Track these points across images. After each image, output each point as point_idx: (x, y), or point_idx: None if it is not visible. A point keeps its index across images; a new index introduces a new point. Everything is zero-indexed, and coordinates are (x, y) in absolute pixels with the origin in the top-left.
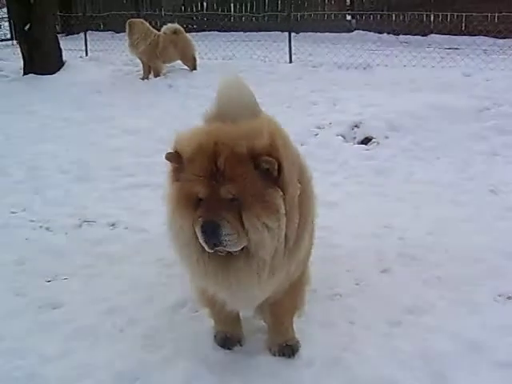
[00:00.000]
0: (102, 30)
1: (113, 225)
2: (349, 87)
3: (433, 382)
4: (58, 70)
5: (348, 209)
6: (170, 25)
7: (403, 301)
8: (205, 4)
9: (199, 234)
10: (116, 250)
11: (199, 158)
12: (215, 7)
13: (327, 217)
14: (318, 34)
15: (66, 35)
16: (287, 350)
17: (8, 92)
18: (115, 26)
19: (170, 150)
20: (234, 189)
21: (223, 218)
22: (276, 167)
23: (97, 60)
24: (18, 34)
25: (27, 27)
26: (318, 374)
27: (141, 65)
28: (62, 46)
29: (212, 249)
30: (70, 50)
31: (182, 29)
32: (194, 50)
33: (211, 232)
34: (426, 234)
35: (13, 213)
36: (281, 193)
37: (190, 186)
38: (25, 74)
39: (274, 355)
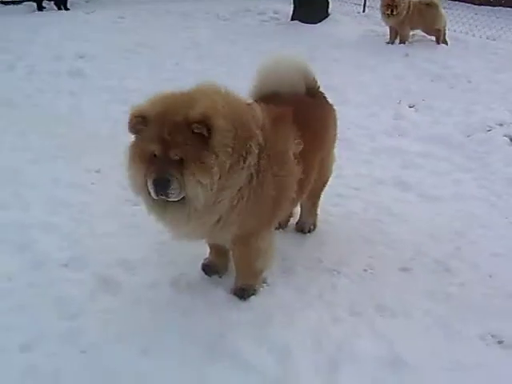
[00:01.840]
0: None
1: None
2: None
3: None
4: (320, 21)
5: None
6: None
7: None
8: None
9: (150, 186)
10: None
11: (156, 124)
12: None
13: None
14: None
15: None
16: (239, 292)
17: (270, 32)
18: None
19: (135, 112)
20: (178, 152)
21: (172, 175)
22: (206, 132)
23: (368, 17)
24: None
25: None
26: (250, 319)
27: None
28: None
29: (157, 197)
30: (355, 3)
31: (437, 2)
32: (440, 23)
33: (161, 186)
34: None
35: None
36: (213, 155)
37: (147, 145)
38: (292, 19)
39: (229, 293)
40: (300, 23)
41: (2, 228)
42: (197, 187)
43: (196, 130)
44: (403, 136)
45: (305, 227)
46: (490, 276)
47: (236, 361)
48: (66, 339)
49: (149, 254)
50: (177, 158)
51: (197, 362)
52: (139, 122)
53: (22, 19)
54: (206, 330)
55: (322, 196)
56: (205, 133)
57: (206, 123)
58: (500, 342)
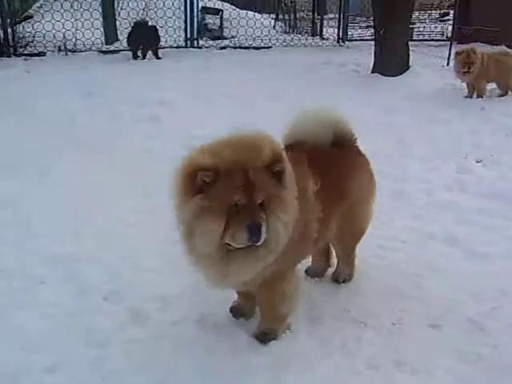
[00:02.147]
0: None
1: None
2: None
3: None
4: (401, 73)
5: None
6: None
7: None
8: None
9: (243, 233)
10: None
11: (232, 173)
12: None
13: None
14: None
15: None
16: (261, 336)
17: (346, 84)
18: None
19: (200, 166)
20: (264, 195)
21: (263, 219)
22: (284, 170)
23: (451, 71)
24: (375, 35)
25: (382, 31)
26: (268, 363)
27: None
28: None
29: (247, 243)
30: (438, 56)
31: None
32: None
33: (256, 231)
34: None
35: None
36: (287, 191)
37: (226, 194)
38: (372, 72)
39: (252, 337)
40: (380, 75)
41: (55, 260)
42: (278, 225)
43: (276, 170)
44: (463, 191)
45: (340, 277)
46: None
47: None
48: (90, 366)
49: (184, 290)
50: (260, 201)
51: None
52: (208, 176)
53: (118, 67)
54: (224, 370)
55: (357, 248)
56: (282, 170)
57: (281, 162)
58: None
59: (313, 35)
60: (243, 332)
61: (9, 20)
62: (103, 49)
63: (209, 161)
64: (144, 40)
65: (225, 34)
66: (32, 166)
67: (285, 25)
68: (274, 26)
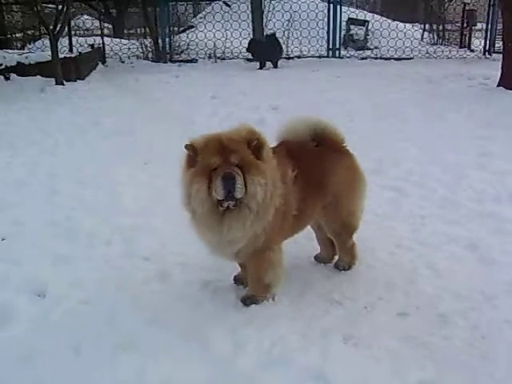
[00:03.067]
0: None
1: None
2: None
3: None
4: None
5: None
6: None
7: None
8: None
9: (219, 185)
10: None
11: (212, 144)
12: None
13: None
14: None
15: None
16: (245, 299)
17: (468, 97)
18: None
19: (187, 145)
20: (237, 157)
21: (236, 172)
22: (261, 146)
23: None
24: (503, 48)
25: (510, 44)
26: (244, 321)
27: None
28: None
29: (224, 196)
30: None
31: None
32: None
33: (229, 181)
34: None
35: None
36: (266, 163)
37: (207, 161)
38: (498, 85)
39: (239, 299)
40: (504, 90)
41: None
42: (256, 186)
43: (253, 144)
44: None
45: (339, 265)
46: (483, 337)
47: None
48: (113, 302)
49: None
50: (236, 162)
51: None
52: (191, 150)
53: (250, 74)
54: (207, 318)
55: (355, 240)
56: (260, 145)
57: (259, 138)
58: None
59: (461, 47)
60: (234, 295)
61: (167, 30)
62: (249, 57)
63: (193, 141)
64: (268, 51)
65: (369, 45)
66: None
67: (433, 36)
68: (422, 37)
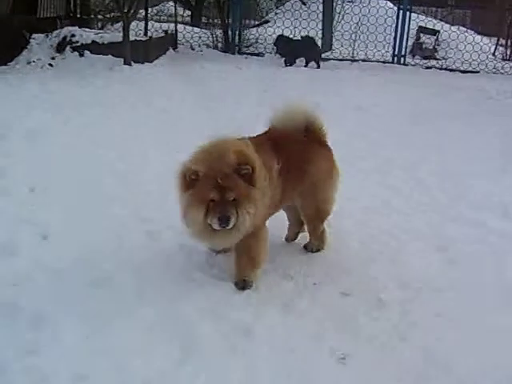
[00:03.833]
0: None
1: None
2: None
3: None
4: None
5: None
6: None
7: None
8: None
9: (216, 221)
10: None
11: (209, 177)
12: None
13: None
14: None
15: None
16: (239, 283)
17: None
18: None
19: (190, 169)
20: (232, 195)
21: (231, 212)
22: (250, 171)
23: None
24: None
25: None
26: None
27: None
28: None
29: (219, 228)
30: None
31: None
32: None
33: (225, 221)
34: None
35: None
36: (256, 189)
37: (205, 192)
38: None
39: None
40: None
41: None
42: (245, 216)
43: (244, 172)
44: None
45: (308, 246)
46: (409, 324)
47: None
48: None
49: None
50: (231, 198)
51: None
52: (194, 176)
53: (306, 72)
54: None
55: (326, 226)
56: (250, 172)
57: (250, 165)
58: None
59: None
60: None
61: (238, 23)
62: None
63: (193, 166)
64: (301, 50)
65: (437, 55)
66: None
67: (505, 51)
68: (494, 52)
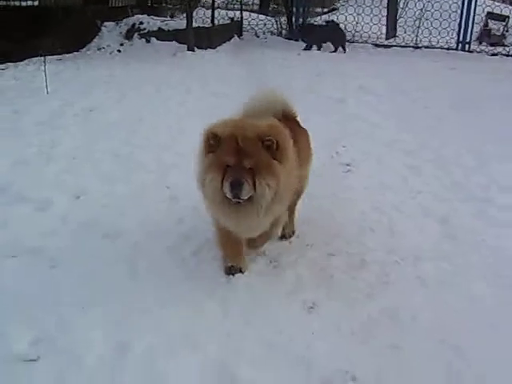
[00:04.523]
0: None
1: None
2: None
3: None
4: None
5: None
6: None
7: None
8: None
9: (227, 187)
10: None
11: (230, 141)
12: None
13: None
14: None
15: None
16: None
17: None
18: None
19: (210, 131)
20: (251, 161)
21: (245, 179)
22: (275, 145)
23: None
24: None
25: None
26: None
27: None
28: None
29: (232, 197)
30: None
31: None
32: None
33: (237, 186)
34: None
35: None
36: (280, 164)
37: (223, 157)
38: None
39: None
40: None
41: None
42: (264, 188)
43: (266, 143)
44: None
45: (285, 234)
46: (384, 283)
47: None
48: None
49: None
50: (248, 166)
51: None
52: (214, 140)
53: (360, 58)
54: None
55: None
56: (274, 145)
57: (273, 138)
58: None
59: None
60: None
61: (302, 10)
62: (377, 42)
63: (217, 130)
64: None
65: (505, 41)
66: None
67: None
68: None
